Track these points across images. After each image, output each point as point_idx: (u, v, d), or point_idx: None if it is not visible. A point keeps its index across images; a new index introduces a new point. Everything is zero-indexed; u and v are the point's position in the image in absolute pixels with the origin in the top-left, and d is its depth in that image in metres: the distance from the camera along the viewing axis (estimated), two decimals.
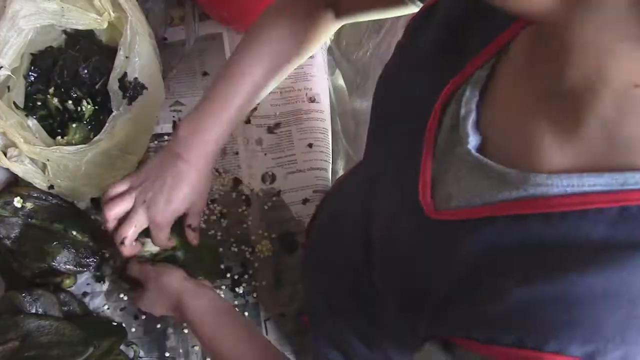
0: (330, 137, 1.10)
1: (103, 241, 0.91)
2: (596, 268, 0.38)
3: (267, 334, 0.93)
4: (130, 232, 0.75)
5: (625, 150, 0.38)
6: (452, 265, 0.46)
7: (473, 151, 0.46)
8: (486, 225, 0.44)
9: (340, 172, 1.30)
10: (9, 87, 0.90)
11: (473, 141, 0.47)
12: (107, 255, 0.92)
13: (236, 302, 0.94)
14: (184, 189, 0.75)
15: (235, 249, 0.97)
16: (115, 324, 0.89)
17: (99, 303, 0.91)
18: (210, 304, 0.76)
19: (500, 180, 0.43)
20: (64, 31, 0.99)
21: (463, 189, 0.47)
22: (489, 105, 0.48)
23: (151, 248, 0.82)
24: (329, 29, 0.80)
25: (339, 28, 1.32)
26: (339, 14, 0.77)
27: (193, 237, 0.82)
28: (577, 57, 0.36)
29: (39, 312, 0.81)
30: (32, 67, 0.95)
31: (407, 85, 0.57)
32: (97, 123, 0.94)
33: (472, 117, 0.48)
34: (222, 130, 0.76)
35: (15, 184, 0.91)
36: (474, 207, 0.45)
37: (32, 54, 0.96)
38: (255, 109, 1.05)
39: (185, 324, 0.91)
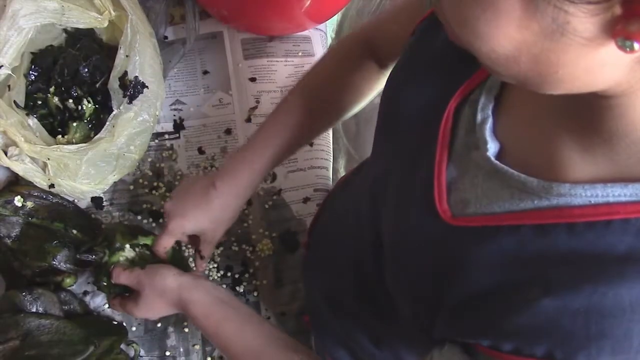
0: (330, 135, 1.09)
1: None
2: (623, 279, 0.37)
3: None
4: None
5: None
6: (469, 271, 0.46)
7: (493, 158, 0.46)
8: (507, 234, 0.43)
9: (342, 171, 1.30)
10: (9, 86, 0.90)
11: (492, 148, 0.47)
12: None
13: None
14: (201, 212, 0.77)
15: (236, 248, 0.97)
16: (115, 323, 0.89)
17: (100, 302, 0.91)
18: (209, 296, 0.75)
19: (522, 189, 0.43)
20: (65, 30, 0.98)
21: (480, 195, 0.46)
22: (505, 111, 0.48)
23: (128, 254, 0.81)
24: (378, 80, 0.80)
25: (340, 26, 1.33)
26: (382, 65, 0.78)
27: (199, 264, 0.83)
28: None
29: (40, 311, 0.81)
30: (33, 66, 0.95)
31: (417, 86, 0.56)
32: (97, 122, 0.94)
33: (489, 123, 0.47)
34: (255, 176, 0.78)
35: (16, 183, 0.91)
36: (494, 214, 0.45)
37: (32, 53, 0.96)
38: (255, 107, 1.05)
39: (185, 323, 0.91)
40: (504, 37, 0.33)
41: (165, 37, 1.07)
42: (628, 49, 0.30)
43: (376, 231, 0.60)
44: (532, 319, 0.41)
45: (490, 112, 0.48)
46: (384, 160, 0.62)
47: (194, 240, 0.82)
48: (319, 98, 0.79)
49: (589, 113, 0.39)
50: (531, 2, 0.31)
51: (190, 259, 0.92)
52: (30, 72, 0.95)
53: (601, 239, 0.39)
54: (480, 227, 0.46)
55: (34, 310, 0.80)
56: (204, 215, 0.77)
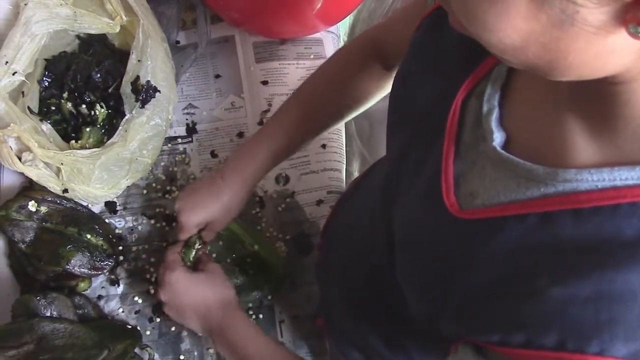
0: (343, 137, 1.09)
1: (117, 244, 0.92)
2: (633, 263, 0.37)
3: (281, 336, 0.92)
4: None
5: None
6: (477, 264, 0.45)
7: (498, 148, 0.45)
8: (514, 224, 0.43)
9: (356, 174, 1.30)
10: (23, 93, 0.91)
11: (498, 138, 0.46)
12: (121, 258, 0.93)
13: (250, 305, 0.93)
14: (211, 201, 0.81)
15: None
16: (129, 327, 0.89)
17: (114, 306, 0.91)
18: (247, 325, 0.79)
19: (528, 178, 0.42)
20: (77, 36, 0.99)
21: (488, 186, 0.46)
22: (511, 101, 0.47)
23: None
24: (382, 81, 0.81)
25: (353, 28, 1.32)
26: (388, 67, 0.79)
27: (203, 252, 0.87)
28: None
29: (54, 316, 0.81)
30: (46, 72, 0.96)
31: (424, 81, 0.56)
32: (110, 127, 0.94)
33: (495, 114, 0.47)
34: (259, 166, 0.81)
35: (30, 188, 0.92)
36: (501, 204, 0.44)
37: (45, 59, 0.97)
38: (267, 110, 1.05)
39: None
40: (512, 29, 0.33)
41: (177, 42, 1.08)
42: None
43: (389, 230, 0.60)
44: (540, 309, 0.40)
45: (496, 103, 0.47)
46: (394, 156, 0.61)
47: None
48: (321, 97, 0.81)
49: (596, 99, 0.39)
50: None
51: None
52: (44, 78, 0.96)
53: (608, 223, 0.38)
54: (486, 219, 0.45)
55: (48, 314, 0.81)
56: (213, 204, 0.81)
